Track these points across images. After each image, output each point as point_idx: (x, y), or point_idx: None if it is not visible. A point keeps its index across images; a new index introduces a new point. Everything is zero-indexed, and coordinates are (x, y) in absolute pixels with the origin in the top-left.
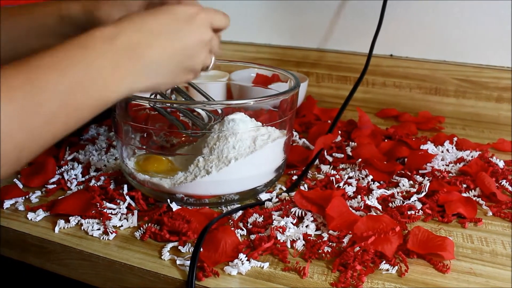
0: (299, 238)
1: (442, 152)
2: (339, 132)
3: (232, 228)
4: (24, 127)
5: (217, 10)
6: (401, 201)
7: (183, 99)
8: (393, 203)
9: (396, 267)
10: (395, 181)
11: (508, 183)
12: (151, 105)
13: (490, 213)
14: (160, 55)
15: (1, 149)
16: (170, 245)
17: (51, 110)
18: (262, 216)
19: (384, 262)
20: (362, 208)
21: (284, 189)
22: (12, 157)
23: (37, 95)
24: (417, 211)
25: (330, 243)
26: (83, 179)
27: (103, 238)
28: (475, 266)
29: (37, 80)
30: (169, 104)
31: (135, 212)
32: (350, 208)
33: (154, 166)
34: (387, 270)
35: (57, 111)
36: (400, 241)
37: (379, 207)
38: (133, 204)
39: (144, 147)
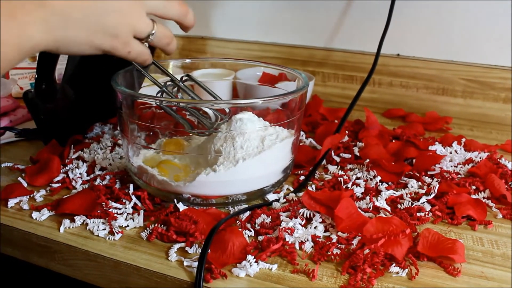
0: (307, 240)
1: (451, 153)
2: (346, 132)
3: (240, 229)
4: None
5: None
6: (410, 203)
7: (190, 98)
8: (402, 204)
9: (406, 270)
10: (404, 182)
11: None
12: (158, 103)
13: (500, 216)
14: (70, 3)
15: None
16: (177, 246)
17: None
18: (270, 217)
19: (394, 264)
20: (371, 209)
21: (292, 189)
22: None
23: None
24: (426, 213)
25: (339, 245)
26: (88, 178)
27: (109, 238)
28: (486, 269)
29: None
30: (175, 103)
31: (141, 212)
32: (359, 210)
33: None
34: (397, 273)
35: None
36: (410, 243)
37: (388, 208)
38: (139, 204)
39: (151, 146)
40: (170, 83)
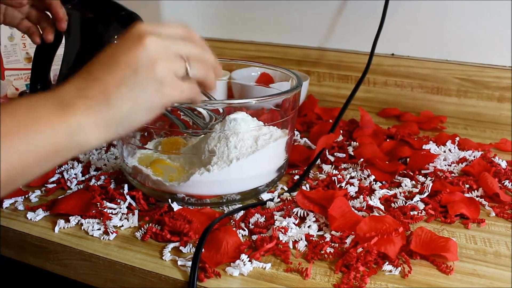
0: (301, 239)
1: (444, 152)
2: (341, 131)
3: (234, 229)
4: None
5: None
6: (403, 202)
7: None
8: (395, 203)
9: (399, 268)
10: (398, 181)
11: (511, 183)
12: None
13: (493, 214)
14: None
15: None
16: (171, 245)
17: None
18: (264, 216)
19: (387, 263)
20: (364, 208)
21: (286, 189)
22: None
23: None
24: (419, 211)
25: (333, 244)
26: (83, 178)
27: (103, 238)
28: (479, 267)
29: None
30: None
31: (136, 212)
32: (353, 209)
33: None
34: (390, 271)
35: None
36: (403, 242)
37: (382, 207)
38: (134, 204)
39: (145, 146)
40: None
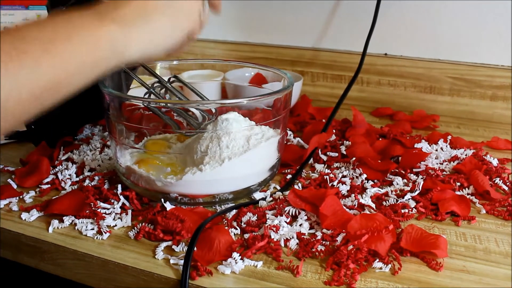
0: (292, 237)
1: (436, 150)
2: (334, 131)
3: (226, 227)
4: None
5: None
6: (395, 200)
7: (177, 99)
8: (387, 201)
9: (390, 266)
10: (389, 179)
11: (501, 181)
12: (145, 104)
13: (484, 211)
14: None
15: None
16: (164, 244)
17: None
18: (256, 215)
19: (377, 260)
20: (356, 206)
21: (278, 188)
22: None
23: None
24: (410, 209)
25: (324, 242)
26: (77, 179)
27: (97, 238)
28: (468, 264)
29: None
30: (163, 104)
31: (129, 211)
32: (344, 207)
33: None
34: (381, 268)
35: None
36: (394, 239)
37: (373, 205)
38: (127, 204)
39: (138, 146)
40: (157, 84)
